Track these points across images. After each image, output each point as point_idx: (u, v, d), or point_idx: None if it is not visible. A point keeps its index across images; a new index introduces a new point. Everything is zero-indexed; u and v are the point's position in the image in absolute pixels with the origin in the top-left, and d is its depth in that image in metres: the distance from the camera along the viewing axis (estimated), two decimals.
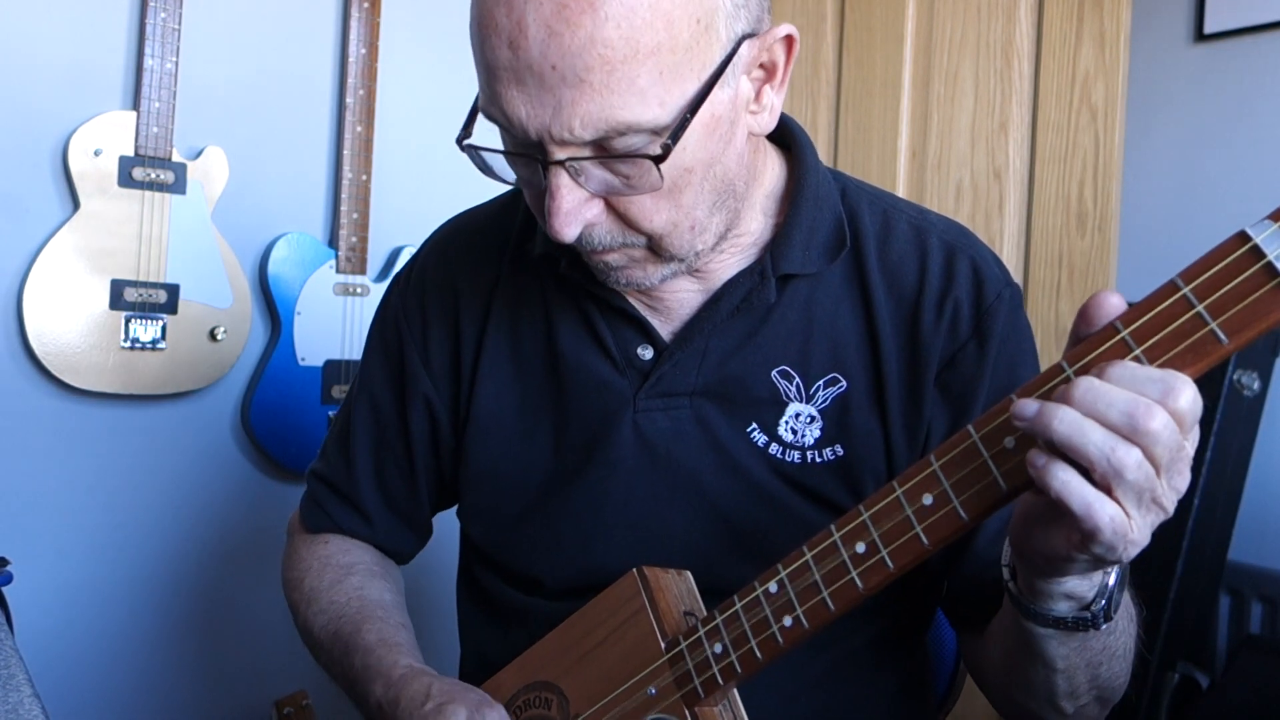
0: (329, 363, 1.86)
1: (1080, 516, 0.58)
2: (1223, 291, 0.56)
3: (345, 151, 1.86)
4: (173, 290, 1.70)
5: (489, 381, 0.94)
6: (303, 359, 1.83)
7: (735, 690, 0.76)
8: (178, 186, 1.70)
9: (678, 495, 0.88)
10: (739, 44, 0.73)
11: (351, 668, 0.90)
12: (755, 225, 0.88)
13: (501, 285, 0.96)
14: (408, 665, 0.86)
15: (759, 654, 0.72)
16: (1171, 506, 0.61)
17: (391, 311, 1.01)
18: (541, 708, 0.83)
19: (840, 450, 0.86)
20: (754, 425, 0.87)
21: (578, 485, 0.90)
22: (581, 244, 0.79)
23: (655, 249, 0.79)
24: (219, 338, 1.74)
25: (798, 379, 0.87)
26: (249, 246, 1.82)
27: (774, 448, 0.86)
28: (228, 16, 1.81)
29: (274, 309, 1.82)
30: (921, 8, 2.02)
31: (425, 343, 0.98)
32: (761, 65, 0.78)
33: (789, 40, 0.78)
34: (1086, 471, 0.58)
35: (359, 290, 1.88)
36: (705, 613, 0.77)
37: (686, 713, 0.75)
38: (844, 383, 0.87)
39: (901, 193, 2.02)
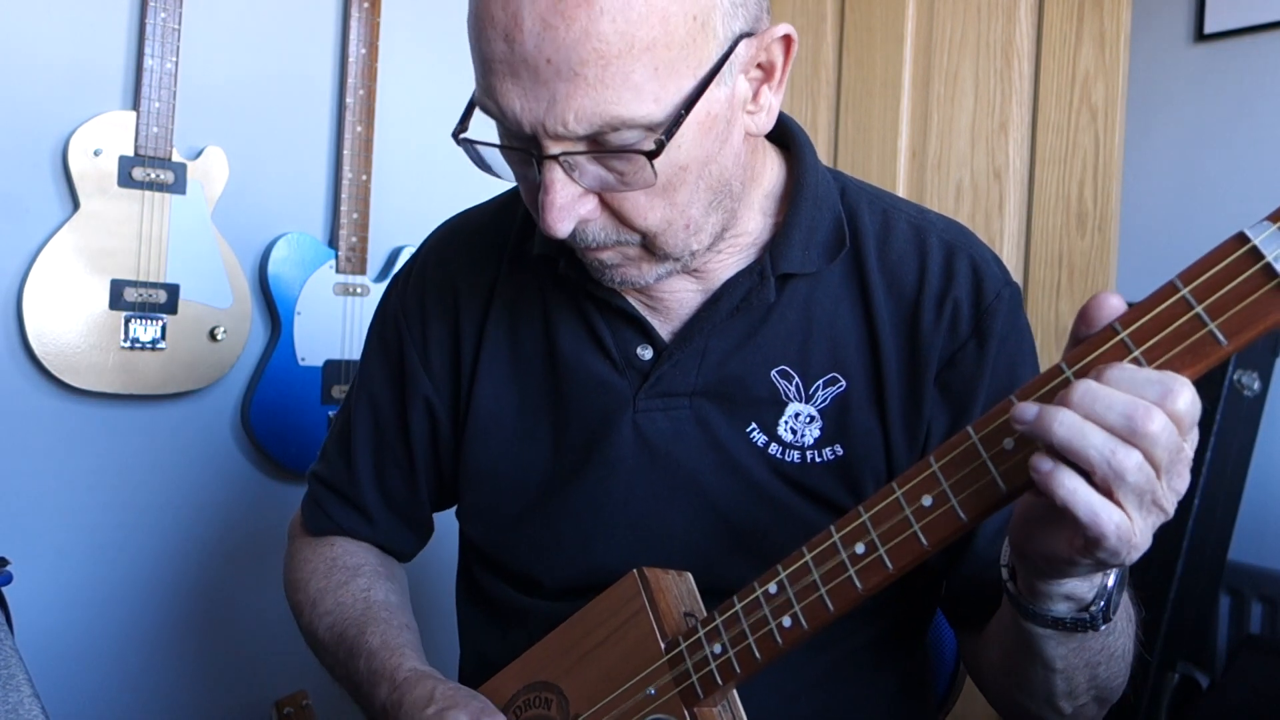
0: (329, 363, 1.86)
1: (1086, 524, 0.58)
2: (1222, 293, 0.56)
3: (345, 151, 1.86)
4: (173, 290, 1.70)
5: (488, 381, 0.94)
6: (303, 359, 1.83)
7: (735, 690, 0.76)
8: (178, 186, 1.70)
9: (677, 495, 0.88)
10: (736, 43, 0.73)
11: (356, 670, 0.90)
12: (754, 225, 0.88)
13: (501, 285, 0.95)
14: (412, 668, 0.86)
15: (758, 654, 0.72)
16: (1172, 508, 0.61)
17: (390, 311, 1.01)
18: (541, 707, 0.83)
19: (840, 450, 0.86)
20: (753, 425, 0.87)
21: (577, 485, 0.90)
22: (575, 240, 0.78)
23: (649, 247, 0.79)
24: (219, 338, 1.74)
25: (797, 379, 0.87)
26: (249, 246, 1.82)
27: (773, 447, 0.86)
28: (228, 16, 1.81)
29: (274, 309, 1.82)
30: (921, 8, 2.01)
31: (424, 343, 0.98)
32: (759, 65, 0.78)
33: (787, 40, 0.78)
34: (1086, 474, 0.58)
35: (359, 290, 1.88)
36: (705, 613, 0.77)
37: (686, 713, 0.75)
38: (843, 382, 0.87)
39: (901, 193, 2.02)
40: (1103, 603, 0.69)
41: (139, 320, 1.67)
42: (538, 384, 0.93)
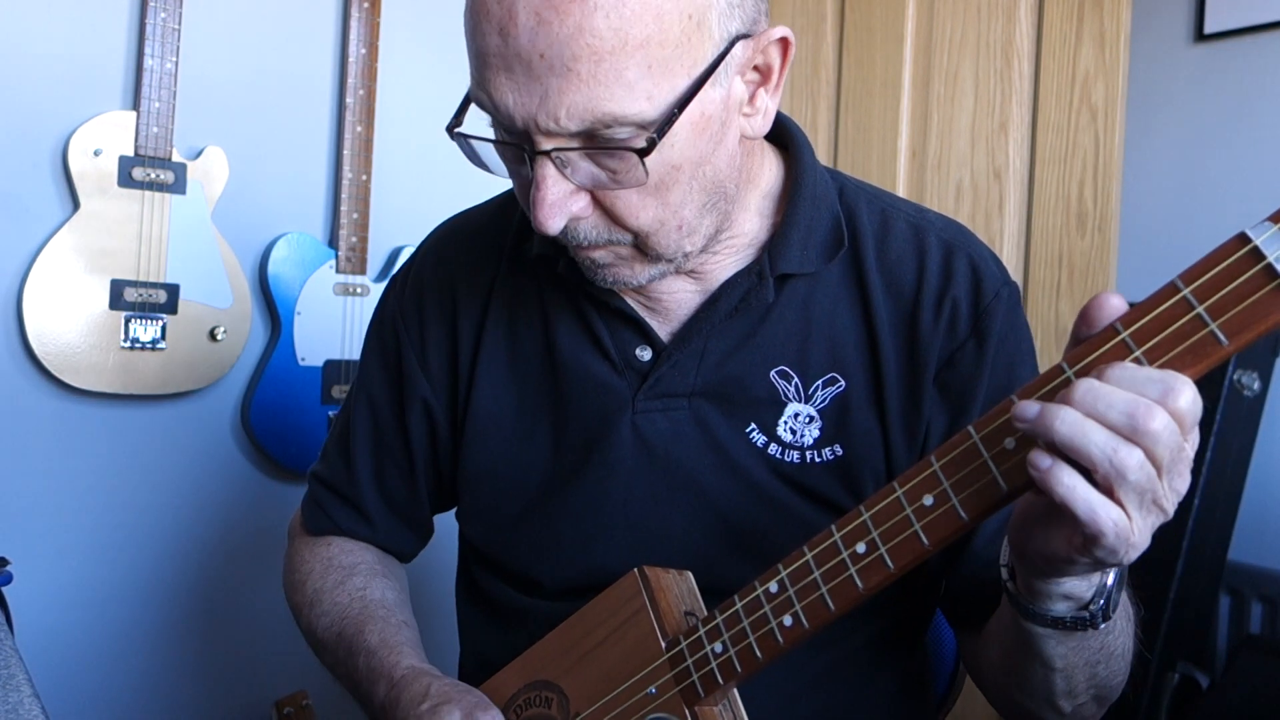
0: (329, 363, 1.86)
1: (1085, 521, 0.58)
2: (1223, 293, 0.57)
3: (345, 151, 1.86)
4: (173, 290, 1.70)
5: (487, 382, 0.94)
6: (303, 359, 1.83)
7: (735, 690, 0.76)
8: (178, 186, 1.70)
9: (677, 496, 0.88)
10: (732, 44, 0.73)
11: (356, 669, 0.90)
12: (751, 226, 0.88)
13: (499, 285, 0.95)
14: (409, 666, 0.86)
15: (759, 653, 0.72)
16: (1172, 508, 0.61)
17: (389, 312, 1.01)
18: (542, 706, 0.83)
19: (839, 450, 0.86)
20: (753, 425, 0.87)
21: (577, 486, 0.90)
22: (567, 239, 0.78)
23: (642, 247, 0.79)
24: (219, 338, 1.74)
25: (796, 379, 0.87)
26: (249, 246, 1.82)
27: (773, 448, 0.86)
28: (228, 16, 1.81)
29: (274, 309, 1.82)
30: (921, 8, 2.02)
31: (423, 344, 0.98)
32: (756, 67, 0.77)
33: (784, 43, 0.77)
34: (1087, 473, 0.58)
35: (359, 290, 1.88)
36: (706, 613, 0.77)
37: (686, 712, 0.75)
38: (843, 382, 0.87)
39: (901, 193, 2.02)
40: (1102, 602, 0.69)
41: (139, 320, 1.67)
42: (536, 385, 0.93)
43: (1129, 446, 0.57)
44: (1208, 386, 1.66)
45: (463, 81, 0.75)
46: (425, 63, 2.01)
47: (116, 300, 1.65)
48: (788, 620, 0.71)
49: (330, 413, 1.86)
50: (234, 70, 1.82)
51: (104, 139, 1.64)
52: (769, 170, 0.90)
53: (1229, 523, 1.77)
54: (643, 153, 0.70)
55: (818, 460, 0.86)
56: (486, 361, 0.95)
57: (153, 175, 1.67)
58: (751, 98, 0.79)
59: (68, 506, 1.70)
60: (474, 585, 1.00)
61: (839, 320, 0.87)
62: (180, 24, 1.68)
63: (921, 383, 0.86)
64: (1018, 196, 1.91)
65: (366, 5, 1.87)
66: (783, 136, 0.92)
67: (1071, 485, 0.58)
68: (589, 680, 0.80)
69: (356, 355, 1.86)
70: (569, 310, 0.91)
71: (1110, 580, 0.68)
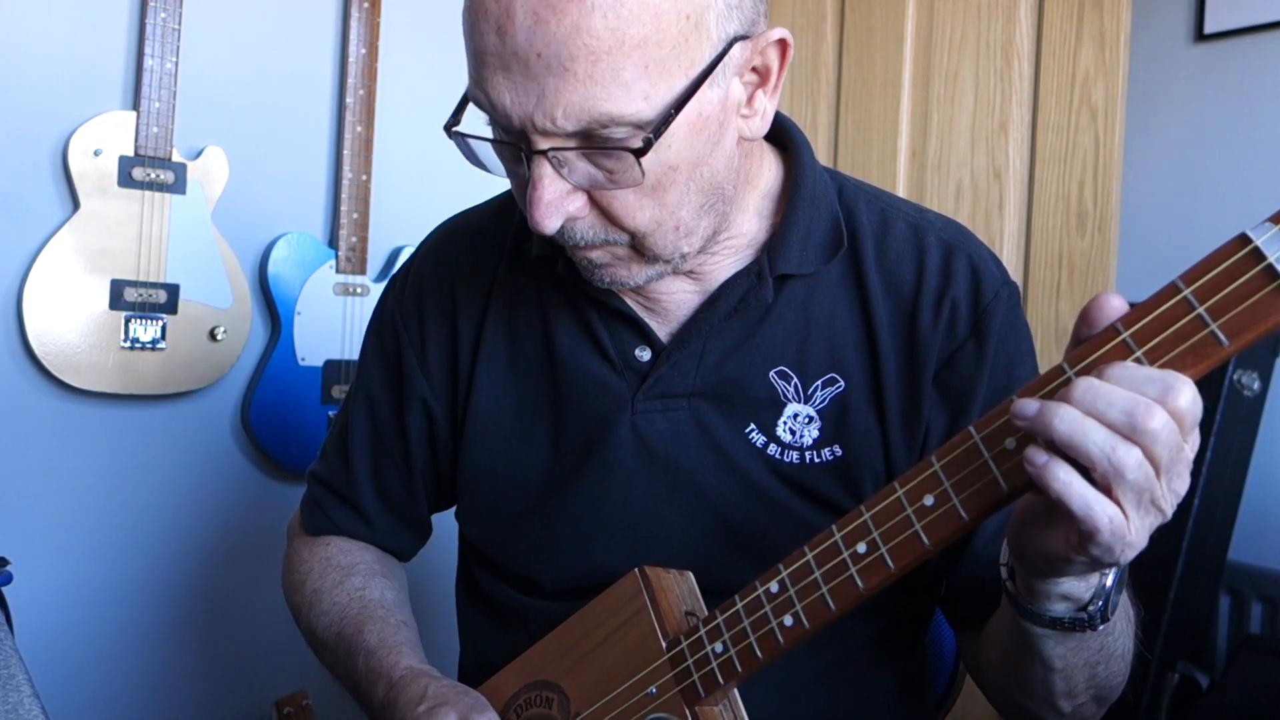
0: (329, 363, 1.86)
1: (1079, 517, 0.58)
2: (1223, 294, 0.57)
3: (345, 151, 1.86)
4: (173, 290, 1.70)
5: (486, 382, 0.94)
6: (303, 359, 1.83)
7: (735, 690, 0.76)
8: (178, 186, 1.70)
9: (676, 496, 0.88)
10: (730, 45, 0.73)
11: (355, 669, 0.90)
12: (749, 226, 0.88)
13: (499, 286, 0.95)
14: (408, 667, 0.86)
15: (759, 653, 0.72)
16: (1170, 510, 0.61)
17: (388, 313, 1.01)
18: (542, 706, 0.83)
19: (839, 450, 0.86)
20: (752, 426, 0.87)
21: (576, 486, 0.90)
22: (564, 238, 0.78)
23: (638, 248, 0.79)
24: (219, 338, 1.74)
25: (796, 379, 0.87)
26: (249, 246, 1.82)
27: (772, 448, 0.86)
28: (228, 16, 1.81)
29: (274, 309, 1.82)
30: (921, 8, 2.02)
31: (422, 344, 0.98)
32: (754, 69, 0.77)
33: (783, 45, 0.77)
34: (1087, 472, 0.58)
35: (359, 290, 1.88)
36: (706, 612, 0.77)
37: (687, 712, 0.75)
38: (842, 383, 0.87)
39: (901, 193, 2.02)
40: (1100, 603, 0.69)
41: (139, 320, 1.67)
42: (536, 385, 0.93)
43: (1127, 445, 0.57)
44: (1208, 386, 1.66)
45: (463, 81, 0.75)
46: (425, 63, 2.01)
47: (116, 300, 1.65)
48: (788, 620, 0.71)
49: (330, 413, 1.86)
50: (234, 70, 1.81)
51: (104, 139, 1.64)
52: (768, 171, 0.90)
53: (1229, 523, 1.77)
54: (639, 153, 0.70)
55: (817, 460, 0.86)
56: (486, 361, 0.95)
57: (153, 175, 1.67)
58: (750, 99, 0.78)
59: (68, 506, 1.70)
60: (474, 585, 1.00)
61: (838, 320, 0.87)
62: (180, 24, 1.68)
63: (921, 383, 0.86)
64: (1018, 196, 1.91)
65: (366, 5, 1.87)
66: (782, 137, 0.92)
67: (1067, 480, 0.58)
68: (589, 680, 0.80)
69: (356, 355, 1.86)
70: (568, 310, 0.91)
71: (1109, 582, 0.68)
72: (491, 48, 0.69)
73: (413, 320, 0.99)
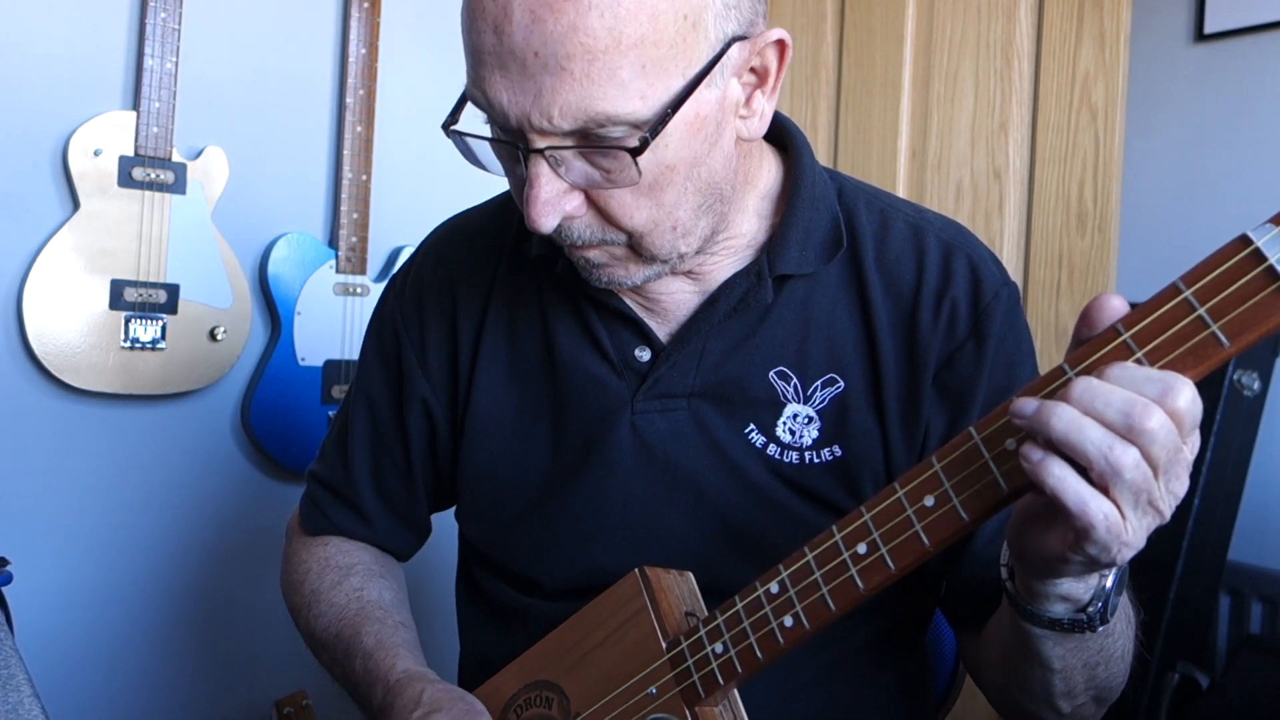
0: (329, 363, 1.86)
1: (1074, 513, 0.58)
2: (1224, 295, 0.57)
3: (345, 151, 1.86)
4: (173, 290, 1.70)
5: (486, 382, 0.94)
6: (303, 359, 1.83)
7: (735, 690, 0.76)
8: (178, 186, 1.70)
9: (676, 496, 0.88)
10: (729, 45, 0.73)
11: (353, 671, 0.90)
12: (749, 227, 0.88)
13: (499, 286, 0.95)
14: (404, 670, 0.86)
15: (759, 653, 0.72)
16: (1168, 512, 0.61)
17: (388, 313, 1.01)
18: (542, 707, 0.83)
19: (838, 451, 0.86)
20: (752, 426, 0.87)
21: (576, 486, 0.90)
22: (561, 238, 0.78)
23: (636, 248, 0.79)
24: (219, 338, 1.74)
25: (795, 380, 0.87)
26: (249, 246, 1.82)
27: (772, 448, 0.86)
28: (228, 16, 1.81)
29: (274, 309, 1.82)
30: (921, 8, 2.02)
31: (422, 344, 0.98)
32: (753, 69, 0.77)
33: (781, 45, 0.77)
34: (1085, 472, 0.58)
35: (359, 290, 1.88)
36: (706, 613, 0.77)
37: (687, 712, 0.75)
38: (842, 383, 0.87)
39: (901, 193, 2.02)
40: (1100, 604, 0.69)
41: (139, 320, 1.67)
42: (536, 385, 0.93)
43: (1125, 445, 0.57)
44: (1208, 387, 1.66)
45: (462, 81, 0.75)
46: (425, 63, 2.01)
47: (116, 300, 1.65)
48: (788, 621, 0.71)
49: (330, 413, 1.86)
50: (234, 70, 1.81)
51: (104, 139, 1.64)
52: (767, 171, 0.90)
53: (1229, 523, 1.77)
54: (635, 152, 0.70)
55: (816, 461, 0.86)
56: (486, 361, 0.95)
57: (153, 175, 1.67)
58: (748, 100, 0.78)
59: (68, 506, 1.70)
60: (474, 585, 1.00)
61: (838, 321, 0.87)
62: (180, 24, 1.68)
63: (920, 383, 0.86)
64: (1018, 196, 1.91)
65: (366, 5, 1.87)
66: (781, 137, 0.91)
67: (1062, 477, 0.58)
68: (589, 680, 0.80)
69: (356, 355, 1.86)
70: (568, 310, 0.91)
71: (1108, 583, 0.68)
72: (489, 46, 0.69)
73: (413, 320, 0.99)
